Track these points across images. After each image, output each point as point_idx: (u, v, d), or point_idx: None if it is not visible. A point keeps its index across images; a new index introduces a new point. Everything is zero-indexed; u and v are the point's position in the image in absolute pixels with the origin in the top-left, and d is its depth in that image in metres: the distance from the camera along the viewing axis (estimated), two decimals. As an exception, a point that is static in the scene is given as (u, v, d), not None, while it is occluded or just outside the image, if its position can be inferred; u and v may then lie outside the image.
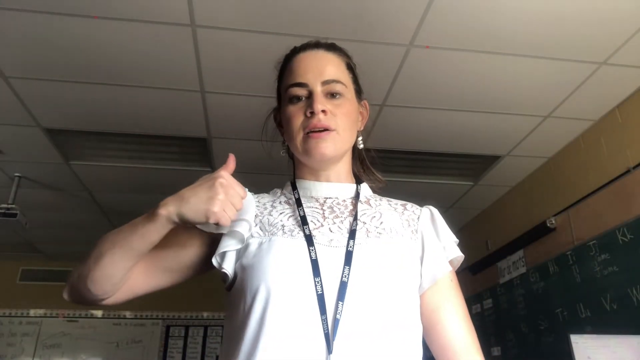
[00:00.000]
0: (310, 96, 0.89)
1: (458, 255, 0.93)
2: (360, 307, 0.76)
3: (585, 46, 2.20)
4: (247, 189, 0.93)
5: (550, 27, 2.08)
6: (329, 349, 0.72)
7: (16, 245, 4.79)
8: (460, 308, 0.90)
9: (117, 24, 2.05)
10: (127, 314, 5.25)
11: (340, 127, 0.89)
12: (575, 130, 2.88)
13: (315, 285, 0.76)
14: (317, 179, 0.94)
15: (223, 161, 0.82)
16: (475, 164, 3.32)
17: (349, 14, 2.01)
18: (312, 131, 0.87)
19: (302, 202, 0.89)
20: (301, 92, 0.90)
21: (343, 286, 0.76)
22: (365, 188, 0.97)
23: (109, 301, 0.86)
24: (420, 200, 1.02)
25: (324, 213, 0.88)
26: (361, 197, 0.93)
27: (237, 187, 0.78)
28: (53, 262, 5.27)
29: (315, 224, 0.85)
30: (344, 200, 0.92)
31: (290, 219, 0.86)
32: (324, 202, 0.91)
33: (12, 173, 3.35)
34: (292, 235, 0.82)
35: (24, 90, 2.49)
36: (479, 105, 2.65)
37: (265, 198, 0.94)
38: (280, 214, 0.88)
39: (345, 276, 0.77)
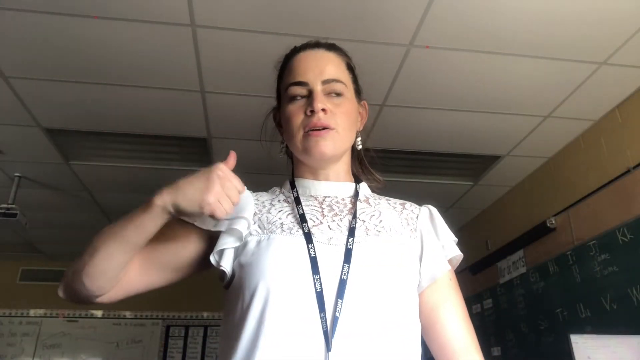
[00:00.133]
0: (310, 95, 0.89)
1: (457, 254, 0.93)
2: (360, 305, 0.76)
3: (585, 46, 2.20)
4: (245, 187, 0.93)
5: (550, 27, 2.08)
6: (328, 347, 0.72)
7: (16, 245, 4.80)
8: (460, 307, 0.90)
9: (117, 24, 2.05)
10: (127, 314, 5.25)
11: (340, 126, 0.89)
12: (575, 130, 2.88)
13: (315, 283, 0.76)
14: (316, 178, 0.94)
15: (223, 161, 0.82)
16: (475, 164, 3.32)
17: (349, 14, 2.01)
18: (312, 130, 0.87)
19: (301, 200, 0.89)
20: (301, 91, 0.90)
21: (342, 284, 0.76)
22: (364, 187, 0.97)
23: (104, 299, 0.84)
24: (420, 200, 1.02)
25: (323, 211, 0.88)
26: (360, 196, 0.93)
27: (234, 181, 0.77)
28: (53, 262, 5.27)
29: (314, 222, 0.85)
30: (343, 199, 0.92)
31: (289, 216, 0.86)
32: (323, 200, 0.91)
33: (12, 173, 3.35)
34: (291, 233, 0.82)
35: (24, 90, 2.49)
36: (479, 105, 2.65)
37: (264, 196, 0.94)
38: (279, 211, 0.88)
39: (344, 274, 0.77)
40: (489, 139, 2.98)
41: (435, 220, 0.94)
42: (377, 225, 0.87)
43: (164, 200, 0.76)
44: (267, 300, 0.75)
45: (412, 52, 2.24)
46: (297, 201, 0.89)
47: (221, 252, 0.83)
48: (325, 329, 0.73)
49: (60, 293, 0.86)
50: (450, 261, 0.92)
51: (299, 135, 0.89)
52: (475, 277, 4.01)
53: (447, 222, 0.95)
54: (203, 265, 0.88)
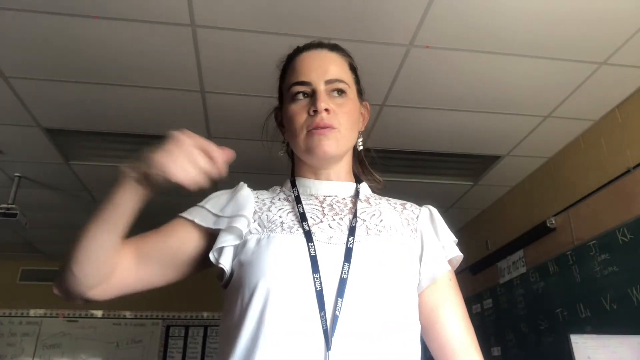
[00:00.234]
0: (313, 95, 0.89)
1: (457, 254, 0.93)
2: (360, 304, 0.76)
3: (585, 46, 2.20)
4: (246, 184, 0.93)
5: (550, 27, 2.08)
6: (328, 346, 0.72)
7: (16, 245, 4.80)
8: (459, 307, 0.90)
9: (117, 24, 2.05)
10: (127, 314, 5.25)
11: (342, 125, 0.89)
12: (575, 130, 2.88)
13: (315, 282, 0.76)
14: (317, 177, 0.94)
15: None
16: (475, 164, 3.32)
17: (349, 14, 2.01)
18: (315, 128, 0.87)
19: (302, 199, 0.89)
20: (304, 90, 0.90)
21: (342, 283, 0.76)
22: (364, 187, 0.97)
23: (98, 293, 0.81)
24: (420, 200, 1.02)
25: (323, 210, 0.88)
26: (361, 196, 0.94)
27: (204, 145, 0.73)
28: (53, 262, 5.27)
29: (314, 220, 0.85)
30: (344, 199, 0.92)
31: (290, 215, 0.86)
32: (324, 199, 0.91)
33: (12, 173, 3.35)
34: (291, 232, 0.82)
35: (24, 90, 2.49)
36: (479, 105, 2.65)
37: (264, 194, 0.94)
38: (280, 210, 0.88)
39: (344, 273, 0.77)
40: (489, 139, 2.98)
41: (436, 221, 0.94)
42: (377, 224, 0.87)
43: (132, 167, 0.75)
44: (267, 299, 0.75)
45: (412, 52, 2.24)
46: (298, 200, 0.89)
47: (220, 250, 0.83)
48: (325, 328, 0.73)
49: (55, 290, 0.83)
50: (450, 262, 0.92)
51: (302, 134, 0.89)
52: (475, 277, 4.01)
53: (447, 222, 0.96)
54: (202, 263, 0.88)
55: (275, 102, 1.02)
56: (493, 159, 3.24)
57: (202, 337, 5.24)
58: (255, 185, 0.94)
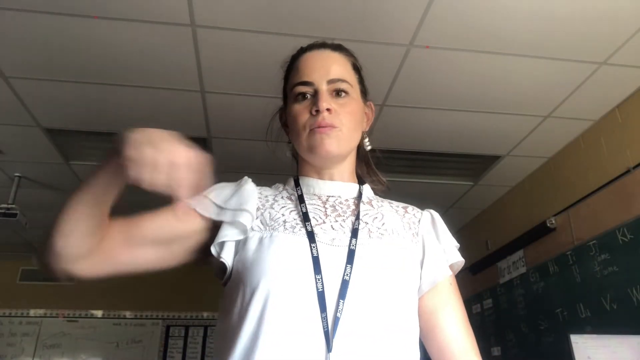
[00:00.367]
0: (315, 95, 0.89)
1: (459, 259, 0.93)
2: (361, 306, 0.76)
3: (585, 46, 2.20)
4: (250, 179, 0.92)
5: (550, 27, 2.08)
6: (329, 347, 0.72)
7: (16, 245, 4.79)
8: (459, 311, 0.90)
9: (117, 24, 2.05)
10: (127, 314, 5.25)
11: (345, 125, 0.89)
12: (575, 130, 2.88)
13: (316, 283, 0.76)
14: (321, 177, 0.94)
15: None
16: (475, 164, 3.32)
17: (349, 14, 2.01)
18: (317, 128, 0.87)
19: (305, 198, 0.89)
20: (307, 90, 0.90)
21: (344, 284, 0.76)
22: (367, 189, 0.97)
23: (85, 267, 0.77)
24: (421, 200, 1.02)
25: (326, 211, 0.88)
26: (363, 198, 0.93)
27: (177, 153, 0.63)
28: (53, 262, 5.27)
29: (317, 221, 0.85)
30: (347, 200, 0.92)
31: (292, 214, 0.86)
32: (327, 200, 0.91)
33: (12, 173, 3.35)
34: (293, 232, 0.82)
35: (24, 90, 2.49)
36: (479, 105, 2.65)
37: (268, 191, 0.93)
38: (282, 208, 0.87)
39: (347, 274, 0.77)
40: (489, 139, 2.98)
41: (437, 225, 0.94)
42: (379, 228, 0.87)
43: (117, 142, 0.66)
44: (267, 298, 0.75)
45: (412, 52, 2.24)
46: (301, 199, 0.89)
47: (222, 244, 0.82)
48: (326, 329, 0.73)
49: (35, 261, 0.79)
50: (451, 266, 0.92)
51: (304, 133, 0.89)
52: (475, 277, 4.01)
53: (447, 222, 0.96)
54: (199, 252, 0.85)
55: (276, 102, 1.02)
56: (493, 159, 3.24)
57: (202, 337, 5.24)
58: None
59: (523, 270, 3.37)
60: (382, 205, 0.94)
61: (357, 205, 0.90)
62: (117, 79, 2.41)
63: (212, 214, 0.84)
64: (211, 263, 0.86)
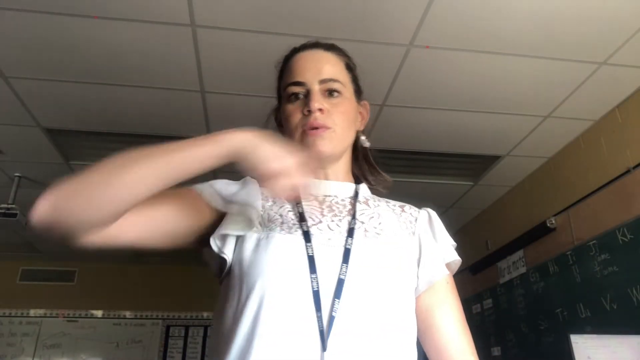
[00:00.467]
0: (308, 95, 0.89)
1: (455, 258, 0.93)
2: (357, 306, 0.76)
3: (585, 46, 2.20)
4: (254, 179, 0.92)
5: (550, 27, 2.08)
6: (324, 346, 0.72)
7: (16, 245, 4.79)
8: (457, 310, 0.90)
9: (117, 24, 2.05)
10: (127, 314, 5.26)
11: (337, 125, 0.89)
12: (575, 130, 2.88)
13: (312, 282, 0.75)
14: (316, 177, 0.94)
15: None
16: (475, 164, 3.32)
17: (349, 14, 2.01)
18: (310, 129, 0.87)
19: (302, 199, 0.89)
20: (299, 90, 0.90)
21: (340, 283, 0.76)
22: (364, 188, 0.97)
23: (94, 234, 0.69)
24: (420, 200, 1.02)
25: (322, 211, 0.88)
26: (360, 197, 0.93)
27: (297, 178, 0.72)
28: (53, 262, 5.27)
29: (313, 220, 0.85)
30: (343, 200, 0.92)
31: (289, 214, 0.86)
32: (323, 200, 0.91)
33: (12, 173, 3.35)
34: (290, 232, 0.82)
35: (24, 90, 2.49)
36: (479, 105, 2.65)
37: (266, 191, 0.93)
38: (280, 207, 0.88)
39: (342, 274, 0.77)
40: (489, 139, 2.98)
41: (434, 224, 0.94)
42: (376, 227, 0.87)
43: (241, 136, 0.71)
44: (263, 298, 0.75)
45: (412, 52, 2.24)
46: (297, 199, 0.89)
47: (223, 238, 0.81)
48: (321, 328, 0.73)
49: (40, 211, 0.65)
50: (448, 265, 0.92)
51: (297, 134, 0.89)
52: (475, 277, 4.00)
53: (446, 223, 0.95)
54: (197, 239, 0.83)
55: (275, 102, 1.02)
56: (493, 159, 3.24)
57: (202, 337, 5.25)
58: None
59: (523, 270, 3.37)
60: (378, 205, 0.94)
61: (354, 205, 0.90)
62: (117, 79, 2.41)
63: (218, 204, 0.83)
64: (204, 254, 0.85)
